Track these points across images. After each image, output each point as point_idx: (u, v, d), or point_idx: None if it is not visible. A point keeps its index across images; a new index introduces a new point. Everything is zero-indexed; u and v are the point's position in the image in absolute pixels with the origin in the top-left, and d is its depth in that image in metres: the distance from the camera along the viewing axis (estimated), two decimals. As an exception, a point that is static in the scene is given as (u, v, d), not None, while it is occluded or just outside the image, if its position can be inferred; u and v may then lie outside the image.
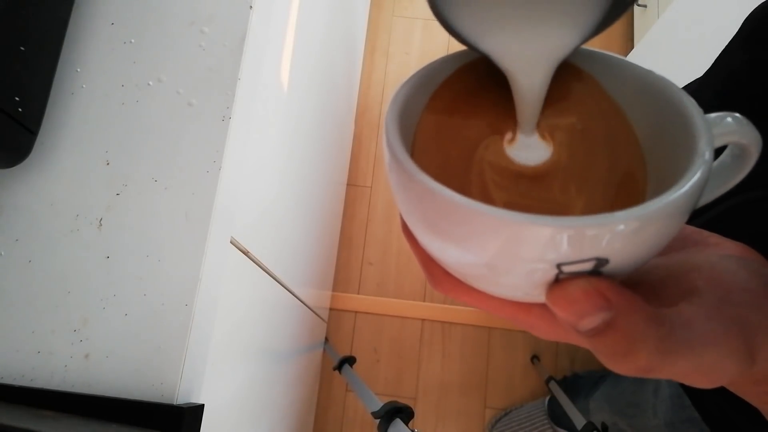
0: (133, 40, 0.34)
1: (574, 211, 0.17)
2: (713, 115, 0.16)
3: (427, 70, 0.19)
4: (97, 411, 0.28)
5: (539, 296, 0.15)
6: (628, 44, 1.37)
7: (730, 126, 0.16)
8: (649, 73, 0.17)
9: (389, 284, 1.18)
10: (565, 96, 0.19)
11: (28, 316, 0.30)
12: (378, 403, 0.62)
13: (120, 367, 0.29)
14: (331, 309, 1.15)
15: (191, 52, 0.34)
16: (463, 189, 0.18)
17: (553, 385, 0.94)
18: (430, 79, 0.19)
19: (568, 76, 0.19)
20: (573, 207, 0.17)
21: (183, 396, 0.30)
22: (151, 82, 0.34)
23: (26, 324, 0.30)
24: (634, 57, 1.21)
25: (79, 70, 0.34)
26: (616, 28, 1.37)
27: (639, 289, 0.17)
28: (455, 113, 0.19)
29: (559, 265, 0.13)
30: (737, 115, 0.17)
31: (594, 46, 0.18)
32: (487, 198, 0.17)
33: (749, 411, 0.19)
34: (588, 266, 0.13)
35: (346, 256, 1.19)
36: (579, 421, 0.72)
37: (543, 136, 0.18)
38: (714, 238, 0.19)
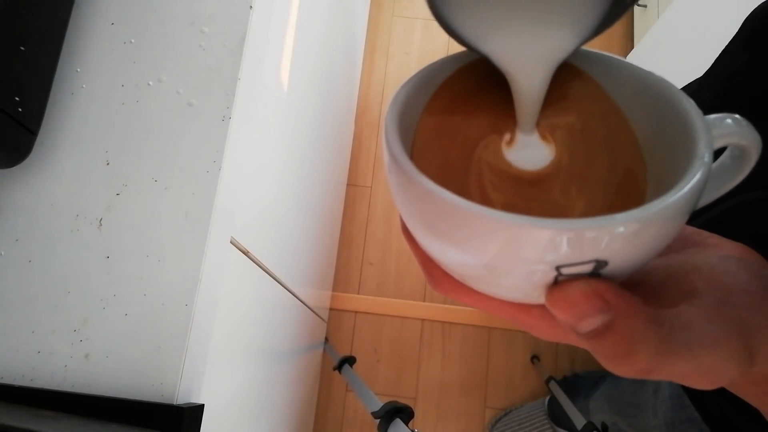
0: (133, 40, 0.34)
1: (573, 212, 0.17)
2: (713, 116, 0.16)
3: (427, 71, 0.19)
4: (97, 411, 0.28)
5: (539, 297, 0.15)
6: (628, 44, 1.37)
7: (729, 127, 0.16)
8: (649, 74, 0.17)
9: (389, 284, 1.18)
10: (564, 97, 0.19)
11: (28, 316, 0.30)
12: (378, 403, 0.62)
13: (120, 367, 0.29)
14: (331, 309, 1.15)
15: (191, 52, 0.34)
16: (462, 190, 0.18)
17: (553, 385, 0.94)
18: (429, 80, 0.19)
19: (568, 76, 0.19)
20: (573, 208, 0.17)
21: (183, 396, 0.30)
22: (151, 82, 0.34)
23: (26, 324, 0.30)
24: (634, 57, 1.21)
25: (79, 70, 0.34)
26: (616, 28, 1.37)
27: (639, 290, 0.17)
28: (455, 113, 0.19)
29: (558, 267, 0.13)
30: (737, 116, 0.17)
31: (594, 46, 0.18)
32: (486, 199, 0.17)
33: (749, 411, 0.19)
34: (587, 268, 0.13)
35: (346, 256, 1.19)
36: (579, 421, 0.72)
37: (543, 137, 0.18)
38: (714, 238, 0.19)
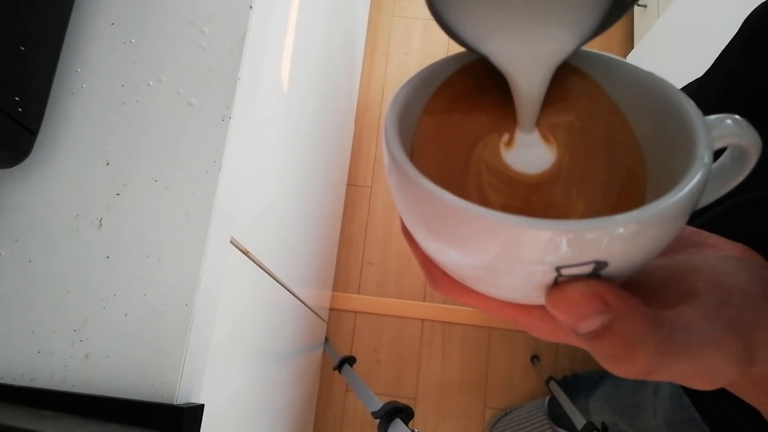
0: (133, 40, 0.34)
1: (574, 213, 0.17)
2: (713, 117, 0.16)
3: (427, 71, 0.19)
4: (97, 411, 0.28)
5: (538, 298, 0.15)
6: (628, 44, 1.37)
7: (729, 128, 0.16)
8: (649, 74, 0.17)
9: (389, 284, 1.18)
10: (564, 97, 0.19)
11: (28, 316, 0.30)
12: (378, 403, 0.62)
13: (120, 367, 0.30)
14: (331, 309, 1.15)
15: (191, 52, 0.34)
16: (461, 190, 0.18)
17: (553, 385, 0.94)
18: (429, 81, 0.19)
19: (568, 76, 0.19)
20: (573, 209, 0.17)
21: (183, 396, 0.30)
22: (151, 82, 0.34)
23: (26, 324, 0.30)
24: (634, 57, 1.21)
25: (79, 70, 0.34)
26: (616, 28, 1.37)
27: (639, 290, 0.17)
28: (455, 113, 0.19)
29: (558, 268, 0.13)
30: (737, 117, 0.17)
31: (594, 46, 0.18)
32: (485, 200, 0.17)
33: (749, 411, 0.19)
34: (587, 269, 0.13)
35: (346, 256, 1.19)
36: (579, 421, 0.72)
37: (543, 136, 0.18)
38: (714, 239, 0.19)
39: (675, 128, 0.16)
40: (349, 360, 0.88)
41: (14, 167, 0.32)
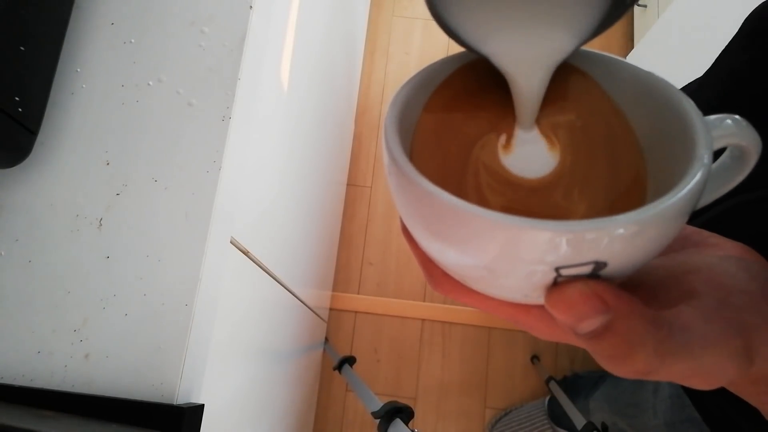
0: (133, 40, 0.34)
1: (575, 213, 0.17)
2: (713, 117, 0.16)
3: (427, 71, 0.19)
4: (97, 411, 0.28)
5: (538, 298, 0.15)
6: (628, 44, 1.37)
7: (729, 128, 0.16)
8: (649, 74, 0.17)
9: (389, 284, 1.18)
10: (564, 96, 0.19)
11: (28, 316, 0.30)
12: (378, 403, 0.62)
13: (120, 367, 0.30)
14: (331, 309, 1.15)
15: (191, 52, 0.34)
16: (461, 189, 0.18)
17: (553, 385, 0.94)
18: (429, 80, 0.19)
19: (568, 76, 0.19)
20: (575, 210, 0.17)
21: (183, 396, 0.30)
22: (151, 82, 0.34)
23: (26, 324, 0.30)
24: (634, 57, 1.21)
25: (79, 70, 0.34)
26: (616, 28, 1.37)
27: (638, 291, 0.17)
28: (455, 112, 0.19)
29: (557, 269, 0.13)
30: (737, 117, 0.17)
31: (594, 46, 0.18)
32: (484, 199, 0.17)
33: (749, 411, 0.19)
34: (587, 269, 0.13)
35: (346, 256, 1.19)
36: (579, 421, 0.72)
37: (544, 136, 0.18)
38: (714, 238, 0.19)
39: (675, 128, 0.16)
40: (349, 360, 0.88)
41: (14, 167, 0.32)
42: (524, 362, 1.12)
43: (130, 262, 0.31)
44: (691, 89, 0.48)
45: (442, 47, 1.36)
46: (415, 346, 1.14)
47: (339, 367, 0.88)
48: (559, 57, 0.17)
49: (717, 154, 0.16)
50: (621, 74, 0.18)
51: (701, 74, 0.48)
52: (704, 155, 0.14)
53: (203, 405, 0.31)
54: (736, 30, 0.43)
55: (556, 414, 0.98)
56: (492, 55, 0.18)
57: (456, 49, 0.19)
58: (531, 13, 0.16)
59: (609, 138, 0.18)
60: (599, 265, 0.13)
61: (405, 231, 0.18)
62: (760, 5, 0.41)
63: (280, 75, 0.48)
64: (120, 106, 0.33)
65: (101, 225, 0.32)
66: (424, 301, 1.16)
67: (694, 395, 0.47)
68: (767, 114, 0.28)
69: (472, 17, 0.17)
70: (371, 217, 1.22)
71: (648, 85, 0.17)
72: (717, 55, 0.45)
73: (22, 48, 0.29)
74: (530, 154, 0.18)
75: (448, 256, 0.16)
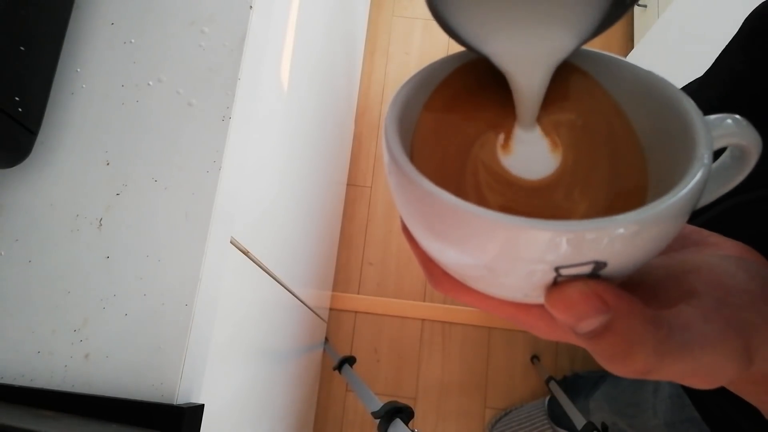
0: (133, 40, 0.34)
1: (575, 213, 0.17)
2: (713, 117, 0.16)
3: (427, 71, 0.19)
4: (97, 411, 0.28)
5: (538, 298, 0.15)
6: (628, 44, 1.37)
7: (729, 128, 0.16)
8: (649, 73, 0.17)
9: (389, 284, 1.18)
10: (565, 95, 0.19)
11: (28, 316, 0.30)
12: (378, 403, 0.62)
13: (120, 367, 0.30)
14: (331, 309, 1.15)
15: (191, 52, 0.34)
16: (461, 189, 0.18)
17: (553, 385, 0.94)
18: (429, 80, 0.19)
19: (568, 75, 0.19)
20: (574, 209, 0.17)
21: (183, 396, 0.30)
22: (151, 82, 0.34)
23: (26, 324, 0.30)
24: (634, 57, 1.21)
25: (79, 70, 0.34)
26: (616, 28, 1.37)
27: (638, 290, 0.17)
28: (454, 111, 0.19)
29: (557, 268, 0.13)
30: (737, 116, 0.17)
31: (594, 46, 0.18)
32: (484, 199, 0.17)
33: (749, 411, 0.19)
34: (586, 269, 0.13)
35: (346, 256, 1.19)
36: (579, 421, 0.72)
37: (545, 135, 0.18)
38: (714, 237, 0.19)
39: (675, 128, 0.16)
40: (349, 360, 0.88)
41: (14, 167, 0.32)
42: (524, 362, 1.12)
43: (130, 262, 0.31)
44: (691, 89, 0.48)
45: (442, 47, 1.36)
46: (415, 346, 1.14)
47: (339, 367, 0.88)
48: (560, 56, 0.17)
49: (717, 153, 0.16)
50: (621, 74, 0.18)
51: (701, 74, 0.48)
52: (704, 155, 0.14)
53: (203, 405, 0.31)
54: (736, 30, 0.43)
55: (556, 414, 0.98)
56: (492, 55, 0.17)
57: (456, 48, 0.19)
58: (531, 12, 0.16)
59: (610, 137, 0.18)
60: (599, 265, 0.13)
61: (405, 230, 0.18)
62: (760, 5, 0.41)
63: (280, 75, 0.48)
64: (120, 106, 0.33)
65: (101, 225, 0.32)
66: (424, 301, 1.16)
67: (694, 395, 0.47)
68: (767, 114, 0.28)
69: (472, 17, 0.17)
70: (371, 217, 1.22)
71: (648, 85, 0.17)
72: (717, 55, 0.45)
73: (22, 48, 0.29)
74: (530, 153, 0.18)
75: (448, 255, 0.16)
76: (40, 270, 0.31)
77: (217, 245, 0.33)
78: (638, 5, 1.28)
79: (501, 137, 0.19)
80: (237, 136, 0.34)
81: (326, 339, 1.10)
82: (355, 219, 1.22)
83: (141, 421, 0.28)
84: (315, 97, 0.69)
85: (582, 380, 0.98)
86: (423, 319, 1.15)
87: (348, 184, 1.24)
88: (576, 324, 0.14)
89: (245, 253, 0.43)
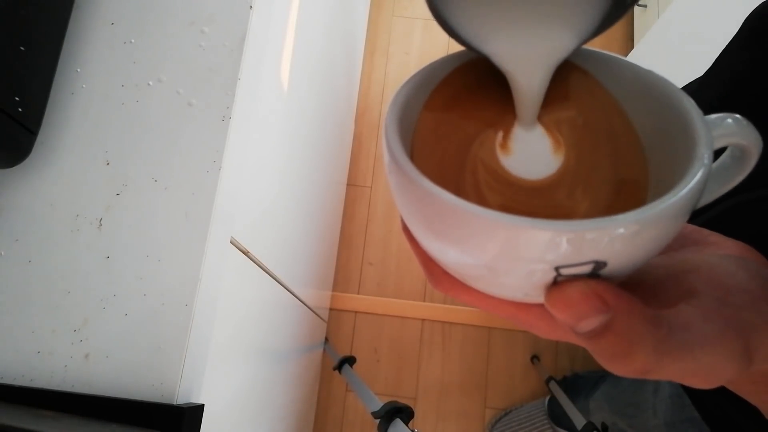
0: (133, 40, 0.34)
1: (576, 212, 0.17)
2: (713, 116, 0.16)
3: (427, 70, 0.19)
4: (97, 411, 0.28)
5: (538, 297, 0.15)
6: (628, 44, 1.37)
7: (730, 127, 0.16)
8: (650, 73, 0.17)
9: (389, 284, 1.18)
10: (565, 94, 0.19)
11: (28, 316, 0.30)
12: (378, 403, 0.62)
13: (120, 367, 0.30)
14: (331, 309, 1.15)
15: (191, 52, 0.34)
16: (461, 188, 0.18)
17: (553, 385, 0.94)
18: (430, 79, 0.19)
19: (569, 75, 0.19)
20: (574, 208, 0.17)
21: (183, 396, 0.30)
22: (151, 82, 0.34)
23: (26, 324, 0.30)
24: (634, 57, 1.21)
25: (79, 70, 0.34)
26: (616, 28, 1.37)
27: (638, 290, 0.17)
28: (454, 110, 0.19)
29: (557, 268, 0.13)
30: (737, 116, 0.17)
31: (594, 45, 0.18)
32: (484, 198, 0.17)
33: (749, 410, 0.19)
34: (586, 269, 0.13)
35: (346, 256, 1.19)
36: (579, 421, 0.72)
37: (545, 133, 0.18)
38: (714, 237, 0.19)
39: (675, 127, 0.16)
40: (349, 360, 0.88)
41: (14, 167, 0.32)
42: (524, 362, 1.12)
43: (130, 262, 0.31)
44: (691, 89, 0.48)
45: (442, 47, 1.36)
46: (415, 346, 1.14)
47: (339, 367, 0.88)
48: (560, 56, 0.17)
49: (717, 153, 0.16)
50: (622, 73, 0.18)
51: (701, 74, 0.48)
52: (705, 155, 0.14)
53: (203, 405, 0.31)
54: (736, 30, 0.43)
55: (556, 414, 0.98)
56: (493, 55, 0.17)
57: (456, 48, 0.19)
58: (532, 12, 0.16)
59: (610, 137, 0.18)
60: (599, 265, 0.13)
61: (405, 230, 0.18)
62: (760, 5, 0.41)
63: (280, 75, 0.48)
64: (120, 106, 0.33)
65: (101, 225, 0.32)
66: (424, 301, 1.16)
67: (694, 395, 0.47)
68: (767, 114, 0.28)
69: (472, 16, 0.17)
70: (371, 217, 1.22)
71: (649, 84, 0.17)
72: (717, 55, 0.45)
73: (22, 48, 0.29)
74: (531, 152, 0.18)
75: (448, 254, 0.16)
76: (40, 270, 0.31)
77: (217, 245, 0.33)
78: (638, 5, 1.28)
79: (501, 136, 0.19)
80: (237, 136, 0.34)
81: (326, 339, 1.10)
82: (355, 219, 1.22)
83: (141, 421, 0.28)
84: (315, 97, 0.69)
85: (582, 380, 0.98)
86: (423, 319, 1.15)
87: (348, 184, 1.24)
88: (576, 324, 0.14)
89: (245, 253, 0.43)
